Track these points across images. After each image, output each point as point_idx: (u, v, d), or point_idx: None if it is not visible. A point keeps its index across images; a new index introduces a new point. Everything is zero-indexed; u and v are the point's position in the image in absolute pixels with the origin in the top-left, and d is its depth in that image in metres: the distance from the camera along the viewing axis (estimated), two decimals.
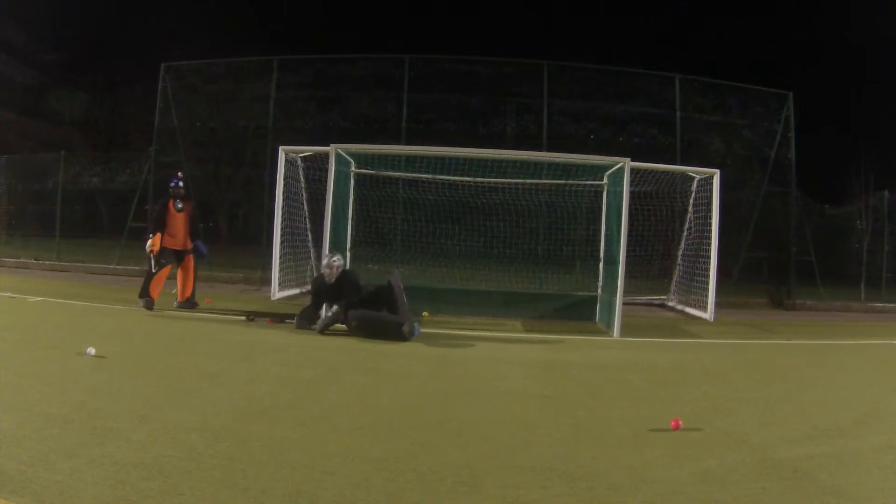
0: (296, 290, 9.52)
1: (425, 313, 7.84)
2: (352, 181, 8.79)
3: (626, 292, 7.39)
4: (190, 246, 7.62)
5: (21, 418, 3.04)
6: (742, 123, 12.53)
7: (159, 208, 7.59)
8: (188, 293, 7.52)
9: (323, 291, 6.53)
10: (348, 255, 8.69)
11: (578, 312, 8.24)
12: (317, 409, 3.53)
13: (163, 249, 7.34)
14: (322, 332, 6.13)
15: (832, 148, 20.04)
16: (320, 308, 6.56)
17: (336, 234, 7.83)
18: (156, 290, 7.29)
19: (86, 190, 14.51)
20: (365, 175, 9.11)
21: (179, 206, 7.54)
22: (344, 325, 6.25)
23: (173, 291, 7.70)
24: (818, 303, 11.76)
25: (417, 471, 2.66)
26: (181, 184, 7.64)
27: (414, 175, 9.23)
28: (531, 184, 9.27)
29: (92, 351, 4.55)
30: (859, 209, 13.50)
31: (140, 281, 7.79)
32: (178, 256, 7.53)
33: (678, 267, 10.40)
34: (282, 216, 8.85)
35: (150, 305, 7.20)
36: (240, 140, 13.64)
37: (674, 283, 10.55)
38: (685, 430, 3.36)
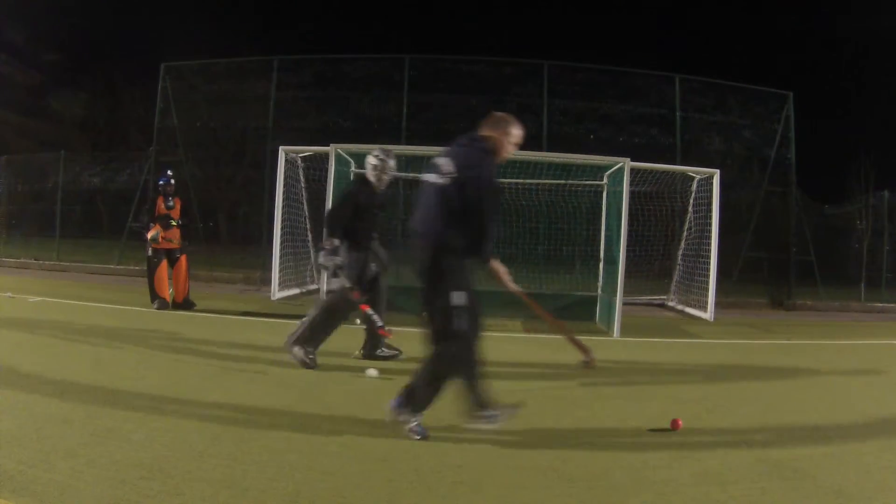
0: (296, 290, 9.53)
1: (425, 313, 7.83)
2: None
3: (626, 292, 7.39)
4: (181, 244, 7.51)
5: (21, 418, 3.04)
6: (742, 123, 12.52)
7: (148, 205, 7.54)
8: (185, 293, 7.50)
9: (374, 205, 4.85)
10: None
11: (578, 312, 8.23)
12: (317, 409, 3.53)
13: (154, 250, 7.28)
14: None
15: (832, 148, 20.05)
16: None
17: None
18: (164, 290, 7.29)
19: (86, 190, 14.51)
20: None
21: (171, 203, 7.47)
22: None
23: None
24: (818, 303, 11.74)
25: (417, 471, 2.66)
26: (172, 181, 7.56)
27: (414, 175, 9.22)
28: (531, 184, 9.27)
29: (373, 372, 4.39)
30: (859, 209, 13.51)
31: (142, 281, 7.80)
32: (170, 257, 7.45)
33: (678, 267, 10.40)
34: (282, 216, 8.85)
35: (164, 306, 7.21)
36: (240, 140, 13.64)
37: (674, 283, 10.55)
38: (685, 430, 3.35)
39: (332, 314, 4.71)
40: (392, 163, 4.86)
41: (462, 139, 3.19)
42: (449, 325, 2.98)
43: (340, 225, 4.66)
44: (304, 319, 4.75)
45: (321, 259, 4.68)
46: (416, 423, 3.07)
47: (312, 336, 4.62)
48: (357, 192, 4.83)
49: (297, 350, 4.58)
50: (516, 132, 3.20)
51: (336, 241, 4.61)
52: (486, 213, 2.98)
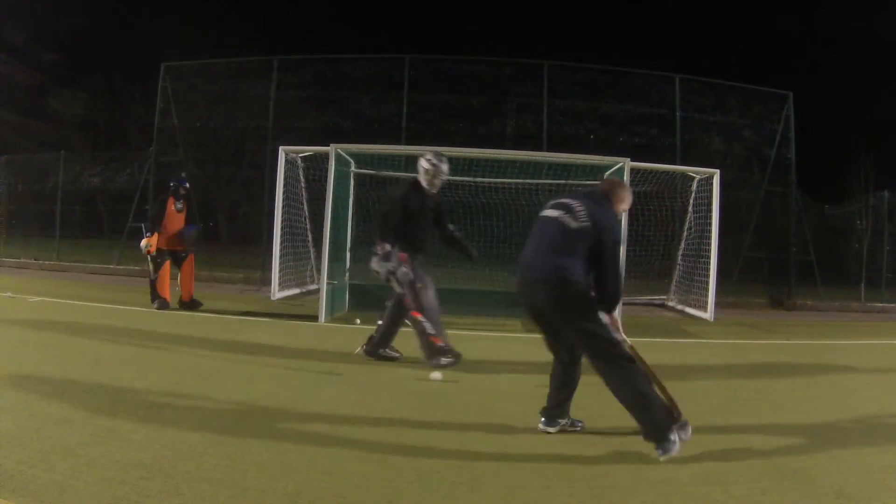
0: (296, 290, 9.53)
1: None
2: (352, 181, 8.79)
3: (625, 292, 7.38)
4: (186, 245, 7.46)
5: (21, 418, 3.04)
6: (742, 123, 12.54)
7: (157, 206, 7.41)
8: (190, 293, 7.49)
9: (427, 209, 4.84)
10: (348, 255, 8.70)
11: None
12: (317, 409, 3.53)
13: (159, 250, 7.21)
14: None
15: (832, 148, 20.06)
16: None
17: (336, 234, 7.83)
18: (165, 290, 7.27)
19: (86, 190, 14.54)
20: (365, 175, 9.11)
21: (179, 206, 7.39)
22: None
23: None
24: (818, 303, 11.75)
25: (417, 471, 2.66)
26: (187, 184, 7.48)
27: (414, 175, 9.21)
28: (531, 184, 9.27)
29: (438, 375, 4.38)
30: (859, 209, 13.50)
31: (142, 281, 7.78)
32: (176, 257, 7.42)
33: (678, 267, 10.40)
34: (282, 216, 8.85)
35: (164, 306, 7.19)
36: (240, 140, 13.64)
37: (674, 283, 10.55)
38: None
39: (425, 310, 4.63)
40: (445, 167, 4.86)
41: (589, 191, 3.31)
42: (617, 349, 3.04)
43: (391, 230, 4.63)
44: (417, 333, 4.62)
45: (373, 264, 4.63)
46: (675, 440, 2.88)
47: (430, 342, 4.51)
48: (407, 196, 4.79)
49: (438, 360, 4.50)
50: (628, 198, 3.36)
51: (388, 246, 4.58)
52: (618, 267, 3.13)
